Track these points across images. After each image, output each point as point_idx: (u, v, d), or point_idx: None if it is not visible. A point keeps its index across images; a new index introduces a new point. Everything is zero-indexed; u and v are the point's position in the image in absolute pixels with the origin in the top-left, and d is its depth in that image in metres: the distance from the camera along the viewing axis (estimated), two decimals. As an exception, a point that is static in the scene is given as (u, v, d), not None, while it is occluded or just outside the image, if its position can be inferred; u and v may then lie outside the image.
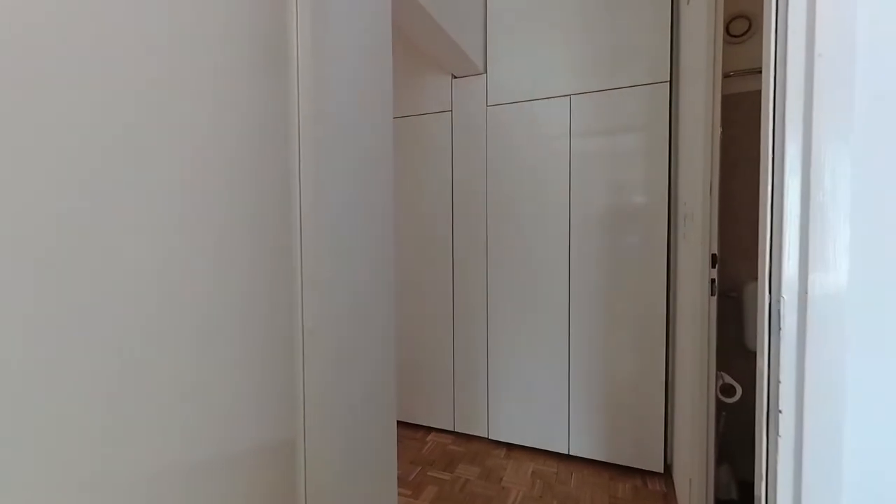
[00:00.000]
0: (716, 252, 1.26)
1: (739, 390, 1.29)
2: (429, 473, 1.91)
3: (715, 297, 1.26)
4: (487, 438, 2.16)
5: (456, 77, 2.17)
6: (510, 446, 2.11)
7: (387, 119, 1.10)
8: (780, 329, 0.55)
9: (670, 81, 1.77)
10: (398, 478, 1.90)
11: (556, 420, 2.00)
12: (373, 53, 1.03)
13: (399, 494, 1.75)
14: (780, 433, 0.55)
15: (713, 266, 1.26)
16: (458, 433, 2.24)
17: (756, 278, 1.23)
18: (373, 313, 1.05)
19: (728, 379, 1.32)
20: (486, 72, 2.10)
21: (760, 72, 0.63)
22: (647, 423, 1.84)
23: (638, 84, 1.82)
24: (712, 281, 1.26)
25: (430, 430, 2.30)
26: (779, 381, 0.55)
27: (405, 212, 2.31)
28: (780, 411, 0.55)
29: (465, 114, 2.15)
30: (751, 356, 1.60)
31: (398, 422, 2.39)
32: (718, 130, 1.24)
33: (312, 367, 0.85)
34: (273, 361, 0.79)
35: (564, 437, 1.99)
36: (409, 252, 2.31)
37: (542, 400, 2.03)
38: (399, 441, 2.20)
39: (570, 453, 1.98)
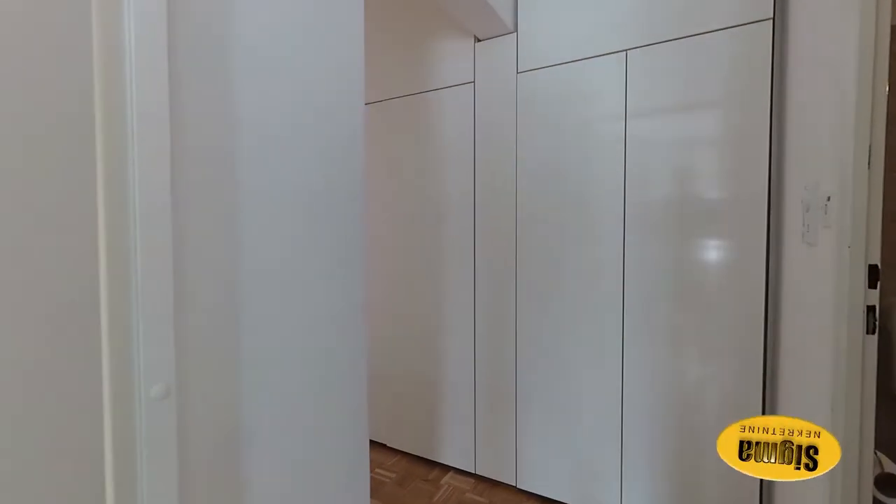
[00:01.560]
0: (878, 263, 0.77)
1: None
2: (439, 533, 1.53)
3: (875, 337, 0.78)
4: (515, 487, 1.74)
5: (479, 40, 1.76)
6: (544, 501, 1.67)
7: (353, 120, 0.73)
8: None
9: (773, 19, 1.26)
10: (400, 537, 1.53)
11: (605, 472, 1.54)
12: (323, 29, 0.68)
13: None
14: None
15: (872, 285, 0.77)
16: (479, 477, 1.83)
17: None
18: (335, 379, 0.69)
19: (892, 466, 0.82)
20: (516, 30, 1.68)
21: None
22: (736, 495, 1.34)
23: (724, 27, 1.32)
24: (870, 310, 0.77)
25: (447, 469, 1.91)
26: None
27: (412, 208, 1.93)
28: None
29: (491, 84, 1.74)
30: None
31: (406, 453, 2.02)
32: (885, 67, 0.75)
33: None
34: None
35: (615, 495, 1.53)
36: (420, 257, 1.93)
37: (587, 445, 1.58)
38: (408, 482, 1.83)
39: (624, 519, 1.51)
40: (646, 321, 1.47)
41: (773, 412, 1.30)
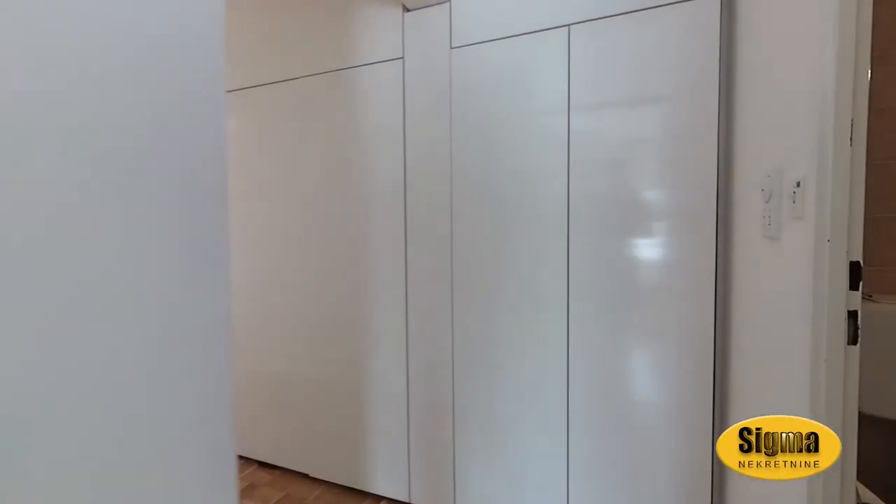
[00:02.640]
0: (860, 259, 0.65)
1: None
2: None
3: (857, 348, 0.65)
4: (455, 516, 1.54)
5: (408, 10, 1.54)
6: (486, 530, 1.49)
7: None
8: None
9: (722, -6, 1.16)
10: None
11: (551, 484, 1.39)
12: None
13: None
14: None
15: (854, 286, 0.65)
16: (415, 507, 1.62)
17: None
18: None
19: (868, 495, 0.71)
20: (448, -1, 1.48)
21: None
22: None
23: (670, 2, 1.21)
24: (851, 315, 0.65)
25: (378, 499, 1.68)
26: None
27: (333, 202, 1.68)
28: None
29: (421, 61, 1.53)
30: (887, 428, 1.00)
31: (331, 484, 1.76)
32: (869, 20, 0.63)
33: None
34: None
35: (563, 519, 1.38)
36: (343, 256, 1.68)
37: (531, 458, 1.41)
38: (332, 520, 1.57)
39: (572, 546, 1.37)
40: (593, 322, 1.33)
41: (725, 416, 1.21)
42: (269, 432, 1.89)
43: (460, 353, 1.50)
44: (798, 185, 0.73)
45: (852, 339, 0.65)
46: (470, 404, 1.49)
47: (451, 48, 1.48)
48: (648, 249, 1.28)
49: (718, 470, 1.22)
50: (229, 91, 1.86)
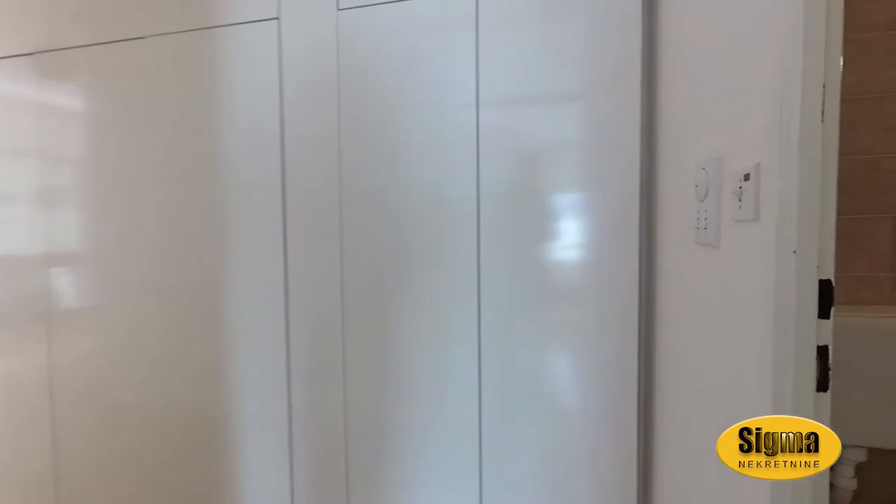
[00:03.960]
0: (831, 277, 0.48)
1: None
2: None
3: (828, 395, 0.49)
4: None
5: (284, -41, 1.24)
6: None
7: None
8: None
9: (644, -38, 1.01)
10: None
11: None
12: None
13: None
14: None
15: (824, 313, 0.48)
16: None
17: None
18: None
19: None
20: (333, -52, 1.20)
21: None
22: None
23: (589, -31, 1.04)
24: (822, 353, 0.48)
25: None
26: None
27: (187, 198, 1.31)
28: None
29: (302, 25, 1.23)
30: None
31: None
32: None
33: None
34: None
35: (477, 580, 1.16)
36: (203, 261, 1.32)
37: (438, 483, 1.18)
38: None
39: None
40: (508, 326, 1.13)
41: (651, 431, 1.07)
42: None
43: (354, 368, 1.22)
44: (746, 178, 0.56)
45: (822, 385, 0.48)
46: (366, 421, 1.22)
47: (339, 9, 1.19)
48: (570, 251, 1.11)
49: (643, 483, 1.07)
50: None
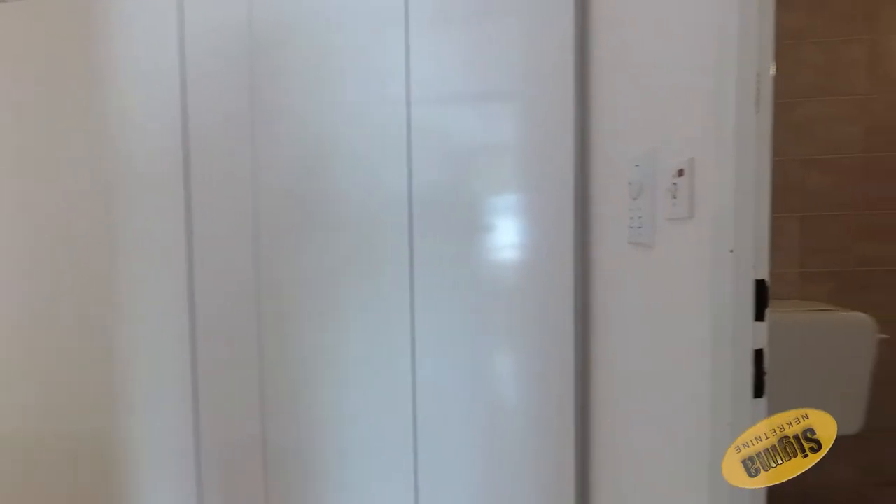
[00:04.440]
0: (766, 278, 0.46)
1: None
2: None
3: (765, 401, 0.46)
4: None
5: (183, -82, 1.07)
6: None
7: None
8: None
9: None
10: None
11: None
12: None
13: None
14: None
15: (760, 315, 0.46)
16: None
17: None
18: None
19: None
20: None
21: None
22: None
23: (522, -41, 1.00)
24: (758, 357, 0.46)
25: None
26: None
27: (68, 190, 1.11)
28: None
29: (206, -4, 1.07)
30: None
31: None
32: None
33: None
34: None
35: None
36: (77, 271, 1.12)
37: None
38: None
39: None
40: (443, 330, 1.06)
41: (588, 433, 1.05)
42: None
43: (273, 385, 1.09)
44: (680, 173, 0.53)
45: (759, 391, 0.46)
46: (289, 446, 1.09)
47: (250, -19, 1.06)
48: (505, 251, 1.06)
49: (581, 484, 1.05)
50: None
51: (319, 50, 1.05)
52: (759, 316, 0.45)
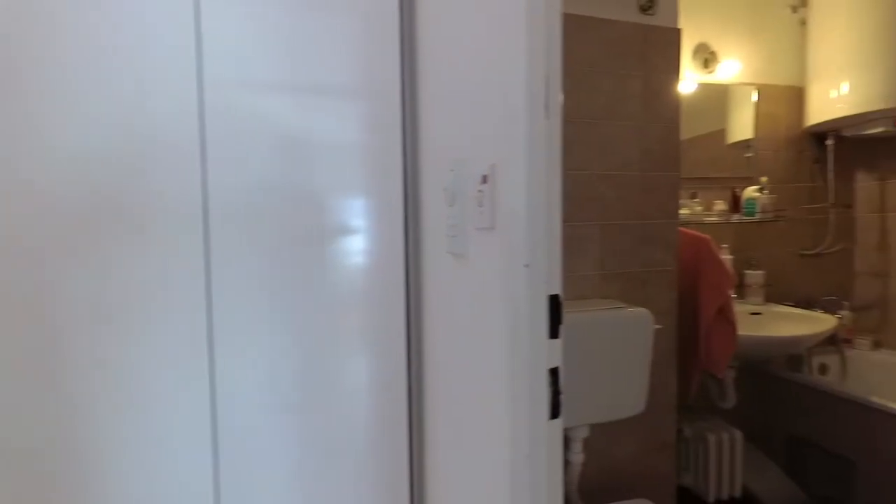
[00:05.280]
0: (559, 293, 0.44)
1: None
2: None
3: (561, 422, 0.44)
4: None
5: None
6: None
7: None
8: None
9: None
10: None
11: None
12: None
13: None
14: None
15: (554, 332, 0.43)
16: None
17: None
18: None
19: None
20: None
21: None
22: None
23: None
24: (553, 375, 0.44)
25: None
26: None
27: None
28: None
29: None
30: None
31: None
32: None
33: None
34: None
35: None
36: None
37: None
38: None
39: None
40: (250, 349, 0.87)
41: (422, 447, 1.00)
42: None
43: (54, 403, 0.75)
44: (484, 180, 0.50)
45: (555, 411, 0.44)
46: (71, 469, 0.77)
47: None
48: (336, 257, 0.94)
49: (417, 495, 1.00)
50: None
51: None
52: (554, 332, 0.43)
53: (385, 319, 0.95)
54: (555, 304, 0.43)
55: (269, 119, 0.88)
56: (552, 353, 0.43)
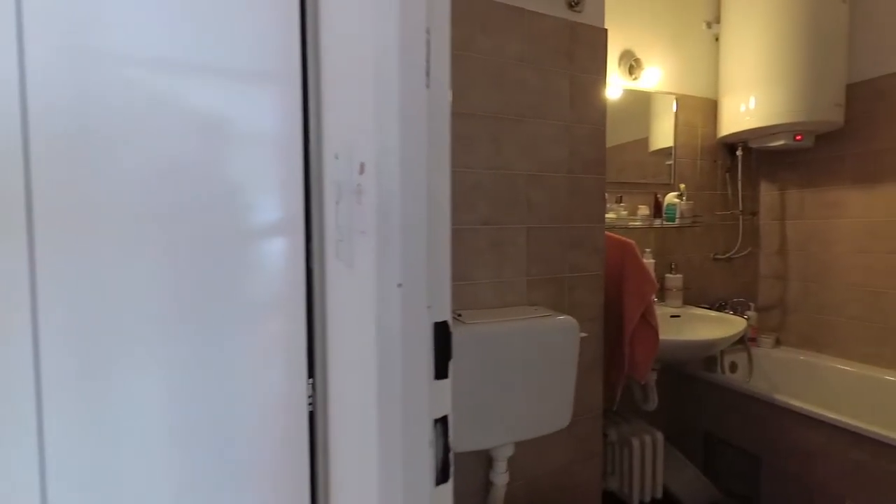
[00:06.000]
0: (447, 319, 0.33)
1: None
2: None
3: (451, 486, 0.34)
4: None
5: None
6: None
7: None
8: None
9: None
10: None
11: None
12: None
13: None
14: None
15: (440, 372, 0.33)
16: None
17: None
18: None
19: None
20: None
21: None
22: None
23: None
24: (441, 425, 0.33)
25: None
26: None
27: None
28: None
29: None
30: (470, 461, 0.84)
31: None
32: None
33: None
34: None
35: None
36: None
37: None
38: None
39: None
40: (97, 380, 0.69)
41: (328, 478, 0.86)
42: None
43: None
44: (361, 169, 0.38)
45: (443, 475, 0.33)
46: None
47: None
48: (230, 261, 0.77)
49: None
50: None
51: None
52: (441, 371, 0.33)
53: (286, 332, 0.80)
54: (442, 334, 0.32)
55: (167, 101, 0.70)
56: (439, 397, 0.33)
